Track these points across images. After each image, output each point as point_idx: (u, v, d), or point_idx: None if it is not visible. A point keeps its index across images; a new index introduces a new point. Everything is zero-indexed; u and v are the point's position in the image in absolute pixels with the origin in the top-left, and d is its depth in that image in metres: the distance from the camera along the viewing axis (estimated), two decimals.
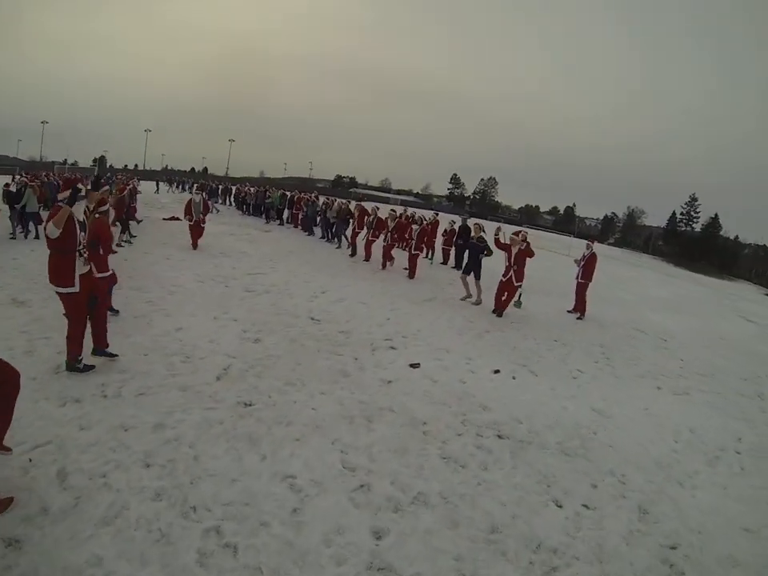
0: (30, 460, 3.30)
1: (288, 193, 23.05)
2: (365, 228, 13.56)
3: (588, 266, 10.40)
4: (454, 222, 15.39)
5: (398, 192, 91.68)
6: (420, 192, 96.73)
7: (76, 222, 4.42)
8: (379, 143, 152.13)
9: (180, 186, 44.26)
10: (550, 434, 4.75)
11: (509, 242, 9.10)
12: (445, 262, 15.26)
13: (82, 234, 4.54)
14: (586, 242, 11.01)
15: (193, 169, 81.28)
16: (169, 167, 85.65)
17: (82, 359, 4.68)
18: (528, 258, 9.13)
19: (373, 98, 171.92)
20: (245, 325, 6.72)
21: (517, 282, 9.01)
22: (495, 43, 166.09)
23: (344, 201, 17.05)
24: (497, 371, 6.19)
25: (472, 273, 10.06)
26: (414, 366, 6.00)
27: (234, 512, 3.08)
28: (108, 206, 6.17)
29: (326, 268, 11.59)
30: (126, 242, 12.05)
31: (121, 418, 3.99)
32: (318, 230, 17.83)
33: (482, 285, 9.99)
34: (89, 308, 4.66)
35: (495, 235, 9.36)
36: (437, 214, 16.19)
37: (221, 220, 20.13)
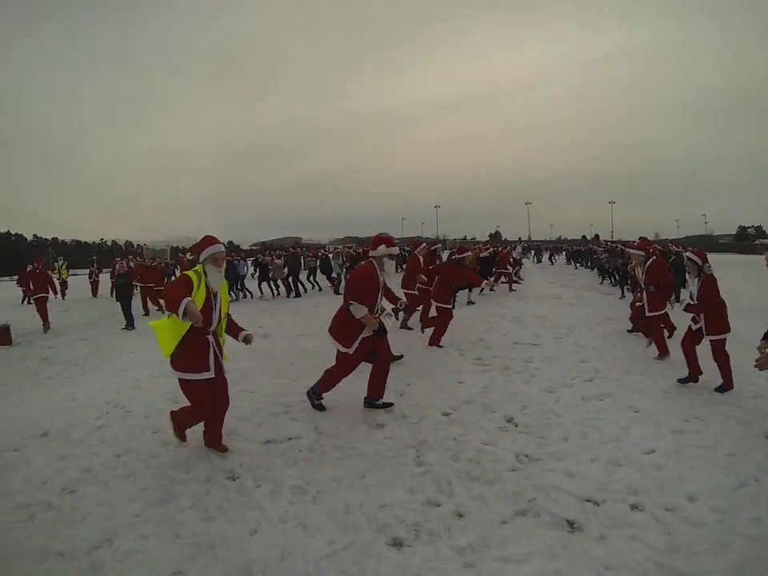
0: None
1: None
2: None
3: (704, 300, 5.50)
4: None
5: None
6: None
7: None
8: None
9: None
10: None
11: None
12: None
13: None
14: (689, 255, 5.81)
15: (584, 237, 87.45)
16: (562, 237, 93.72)
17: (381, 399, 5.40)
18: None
19: None
20: None
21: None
22: None
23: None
24: None
25: None
26: None
27: None
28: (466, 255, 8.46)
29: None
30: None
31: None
32: None
33: None
34: (369, 360, 5.36)
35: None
36: None
37: None
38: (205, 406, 4.07)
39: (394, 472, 3.89)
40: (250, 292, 16.83)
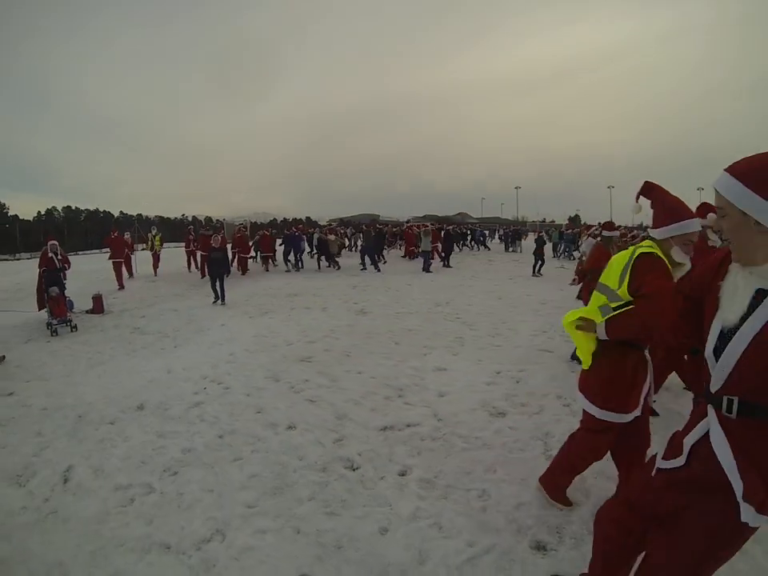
0: None
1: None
2: None
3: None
4: None
5: None
6: None
7: None
8: None
9: None
10: None
11: None
12: None
13: None
14: None
15: None
16: (643, 224, 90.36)
17: None
18: None
19: None
20: None
21: None
22: None
23: None
24: None
25: None
26: None
27: None
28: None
29: None
30: None
31: None
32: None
33: None
34: None
35: None
36: None
37: None
38: (601, 452, 2.91)
39: (525, 467, 3.50)
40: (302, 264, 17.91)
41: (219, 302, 10.39)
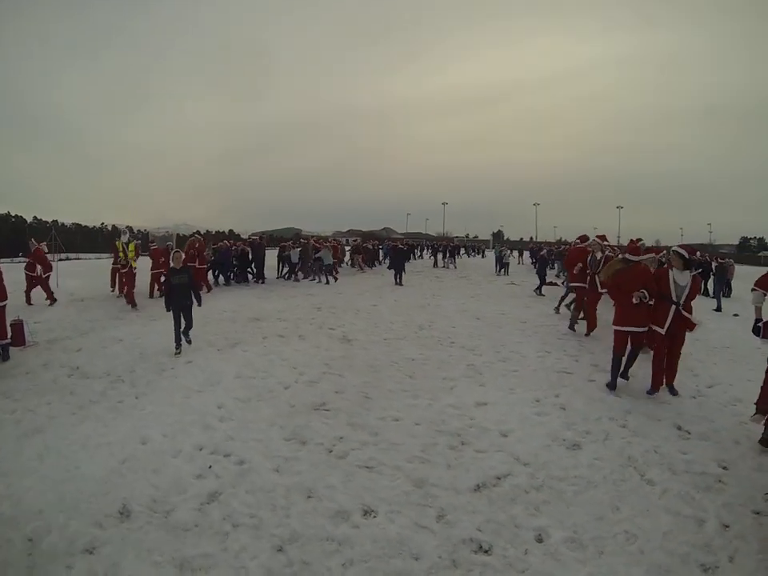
0: None
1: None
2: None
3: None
4: None
5: None
6: None
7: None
8: None
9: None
10: None
11: None
12: None
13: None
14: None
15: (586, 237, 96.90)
16: (562, 239, 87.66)
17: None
18: None
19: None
20: None
21: None
22: None
23: None
24: None
25: None
26: None
27: None
28: None
29: None
30: None
31: None
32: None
33: None
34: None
35: None
36: None
37: None
38: None
39: (637, 496, 3.51)
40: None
41: (180, 346, 7.16)
